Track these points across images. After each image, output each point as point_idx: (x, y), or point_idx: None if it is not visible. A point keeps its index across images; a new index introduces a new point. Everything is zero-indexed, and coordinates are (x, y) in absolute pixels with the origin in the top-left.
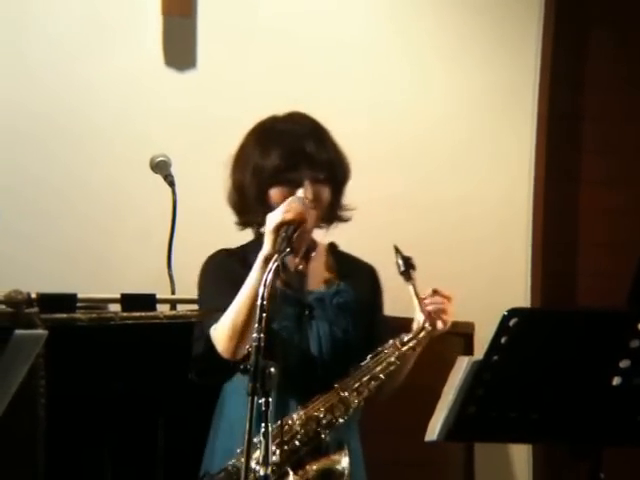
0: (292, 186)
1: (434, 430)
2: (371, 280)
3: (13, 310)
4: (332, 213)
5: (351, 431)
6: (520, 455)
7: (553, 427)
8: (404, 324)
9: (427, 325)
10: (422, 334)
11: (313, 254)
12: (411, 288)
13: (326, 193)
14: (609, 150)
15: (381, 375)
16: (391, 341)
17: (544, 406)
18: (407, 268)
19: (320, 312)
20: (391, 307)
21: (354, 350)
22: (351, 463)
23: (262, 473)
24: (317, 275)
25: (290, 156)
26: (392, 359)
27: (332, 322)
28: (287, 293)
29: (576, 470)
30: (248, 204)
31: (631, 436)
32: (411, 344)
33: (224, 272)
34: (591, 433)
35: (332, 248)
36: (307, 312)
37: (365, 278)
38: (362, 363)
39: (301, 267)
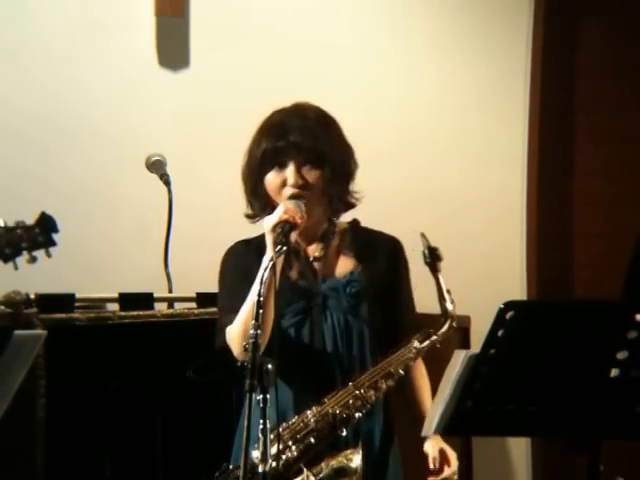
0: (281, 169)
1: (431, 425)
2: (391, 255)
3: (12, 311)
4: (334, 198)
5: (372, 422)
6: (518, 449)
7: (551, 420)
8: (423, 320)
9: (450, 320)
10: (445, 328)
11: (331, 239)
12: (436, 280)
13: (316, 178)
14: (602, 140)
15: (400, 371)
16: (412, 337)
17: (542, 399)
18: (433, 259)
19: (335, 302)
20: None
21: (375, 338)
22: (370, 455)
23: (261, 470)
24: (333, 261)
25: (277, 140)
26: (411, 355)
27: (347, 312)
28: (298, 285)
29: (574, 463)
30: (248, 197)
31: (629, 428)
32: (433, 338)
33: (241, 267)
34: (589, 425)
35: (353, 226)
36: (320, 302)
37: (384, 254)
38: (381, 358)
39: (317, 254)
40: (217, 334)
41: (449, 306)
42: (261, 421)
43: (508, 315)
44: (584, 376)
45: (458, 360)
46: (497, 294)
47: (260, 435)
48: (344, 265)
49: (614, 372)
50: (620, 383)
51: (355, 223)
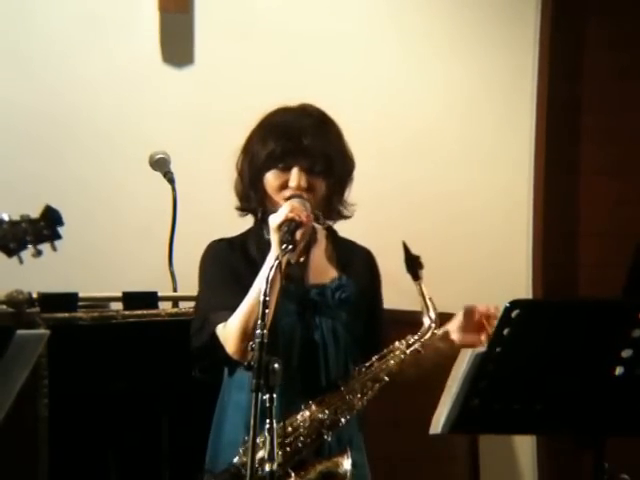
0: (285, 170)
1: (438, 423)
2: (369, 266)
3: (14, 310)
4: (331, 208)
5: (353, 428)
6: (525, 447)
7: (557, 418)
8: (411, 317)
9: (434, 327)
10: (428, 336)
11: (314, 245)
12: (418, 288)
13: (320, 185)
14: (608, 140)
15: (385, 377)
16: (397, 343)
17: (547, 397)
18: (415, 268)
19: (323, 307)
20: (398, 300)
21: (357, 345)
22: (353, 461)
23: (267, 469)
24: (318, 266)
25: (286, 143)
26: (397, 361)
27: (335, 317)
28: (289, 288)
29: (580, 461)
30: (245, 190)
31: (634, 426)
32: (417, 346)
33: (226, 265)
34: (594, 423)
35: (331, 234)
36: (311, 306)
37: (364, 264)
38: (367, 364)
39: (302, 259)
40: (197, 332)
41: (432, 314)
42: (267, 420)
43: (514, 314)
44: (589, 374)
45: (464, 358)
46: (504, 293)
47: (266, 434)
48: (329, 272)
49: (619, 370)
50: (625, 381)
51: (332, 231)
